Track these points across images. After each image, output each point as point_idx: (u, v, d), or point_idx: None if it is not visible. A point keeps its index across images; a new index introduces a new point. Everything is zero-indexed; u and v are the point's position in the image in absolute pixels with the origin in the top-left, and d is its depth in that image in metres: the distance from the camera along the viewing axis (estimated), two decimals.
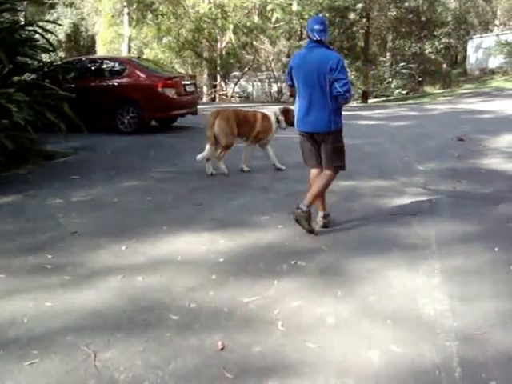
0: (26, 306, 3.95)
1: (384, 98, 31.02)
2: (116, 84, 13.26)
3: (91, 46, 33.95)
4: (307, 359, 3.25)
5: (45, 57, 13.73)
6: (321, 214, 5.59)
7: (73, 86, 12.18)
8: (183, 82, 13.71)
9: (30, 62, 11.72)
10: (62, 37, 31.61)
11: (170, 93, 12.97)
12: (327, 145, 5.35)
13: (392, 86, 32.33)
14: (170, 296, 4.10)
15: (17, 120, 8.56)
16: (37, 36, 11.20)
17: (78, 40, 33.69)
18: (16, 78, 11.16)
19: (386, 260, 4.77)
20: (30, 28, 11.20)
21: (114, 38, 31.65)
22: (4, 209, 6.67)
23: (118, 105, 12.96)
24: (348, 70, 26.05)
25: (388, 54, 35.70)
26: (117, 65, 13.83)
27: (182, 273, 4.55)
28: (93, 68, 14.05)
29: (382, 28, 33.55)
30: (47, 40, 11.79)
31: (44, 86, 10.74)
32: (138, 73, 13.27)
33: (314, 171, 5.57)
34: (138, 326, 3.65)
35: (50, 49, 12.40)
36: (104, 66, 14.07)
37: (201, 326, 3.65)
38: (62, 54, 26.68)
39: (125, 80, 13.24)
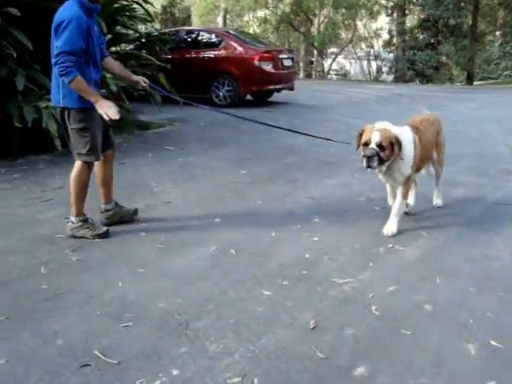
0: (120, 271, 4.14)
1: (491, 81, 29.73)
2: (212, 56, 13.47)
3: (186, 18, 34.50)
4: (401, 346, 3.22)
5: (141, 27, 14.11)
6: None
7: (169, 57, 12.50)
8: (280, 56, 13.74)
9: (127, 31, 12.08)
10: (157, 8, 32.29)
11: (267, 66, 13.06)
12: None
13: (500, 67, 30.90)
14: (262, 271, 4.17)
15: (111, 88, 8.89)
16: (135, 6, 11.49)
17: (173, 12, 34.26)
18: (113, 48, 11.54)
19: (487, 249, 4.63)
20: None
21: (209, 10, 32.07)
22: None
23: (214, 77, 13.19)
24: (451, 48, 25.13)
25: (498, 32, 34.01)
26: (213, 37, 14.05)
27: (274, 249, 4.60)
28: (189, 40, 14.36)
29: (492, 4, 32.00)
30: (146, 10, 12.07)
31: (140, 56, 11.07)
32: (235, 45, 13.42)
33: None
34: (229, 299, 3.74)
35: (148, 19, 12.72)
36: (200, 38, 14.35)
37: (293, 303, 3.69)
38: (157, 25, 27.25)
39: (221, 52, 13.44)
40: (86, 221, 4.91)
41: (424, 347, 3.21)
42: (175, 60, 12.73)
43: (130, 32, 12.12)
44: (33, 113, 7.50)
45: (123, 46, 12.42)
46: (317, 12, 28.77)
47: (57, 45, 4.47)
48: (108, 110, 4.56)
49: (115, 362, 3.01)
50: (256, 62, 12.99)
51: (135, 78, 5.25)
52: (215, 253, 4.52)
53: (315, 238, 4.84)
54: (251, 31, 28.14)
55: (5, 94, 7.98)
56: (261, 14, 31.68)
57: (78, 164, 4.82)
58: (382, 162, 4.75)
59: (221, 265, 4.29)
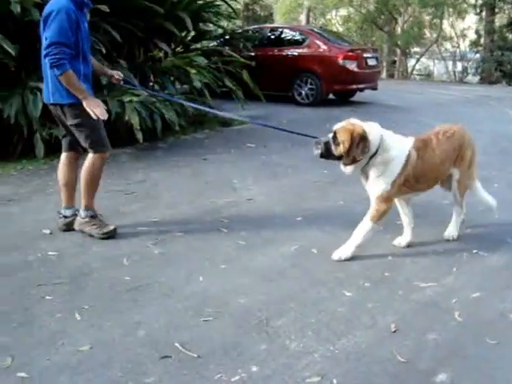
0: (201, 266, 4.19)
1: None
2: (295, 54, 13.46)
3: (268, 16, 34.63)
4: (484, 355, 3.11)
5: (225, 24, 14.27)
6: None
7: (252, 54, 12.59)
8: (365, 55, 13.59)
9: (211, 28, 12.24)
10: (240, 5, 32.59)
11: (351, 65, 12.94)
12: None
13: None
14: (343, 272, 4.12)
15: (195, 84, 9.03)
16: (219, 3, 11.62)
17: (255, 9, 34.46)
18: (198, 45, 11.73)
19: None
20: None
21: (293, 8, 32.08)
22: (184, 171, 7.15)
23: (296, 75, 13.17)
24: None
25: None
26: (297, 34, 14.02)
27: (357, 251, 4.53)
28: (272, 37, 14.39)
29: None
30: (230, 6, 12.21)
31: (224, 52, 11.18)
32: (319, 43, 13.35)
33: None
34: (310, 298, 3.72)
35: (233, 16, 12.86)
36: (284, 36, 14.35)
37: (374, 305, 3.63)
38: (239, 22, 27.53)
39: (305, 50, 13.39)
40: (94, 217, 4.87)
41: (510, 358, 3.09)
42: (258, 57, 12.79)
43: (214, 28, 12.30)
44: (117, 106, 7.71)
45: (205, 42, 12.58)
46: (402, 11, 28.29)
47: (46, 36, 4.41)
48: (96, 109, 4.52)
49: (195, 355, 3.04)
50: (340, 61, 12.88)
51: (110, 72, 5.24)
52: (296, 251, 4.50)
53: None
54: (334, 29, 27.97)
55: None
56: (344, 12, 31.42)
57: (90, 155, 4.78)
58: (330, 156, 4.29)
59: (302, 263, 4.27)
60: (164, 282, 3.91)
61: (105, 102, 7.74)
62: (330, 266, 4.21)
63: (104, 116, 4.58)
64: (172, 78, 9.88)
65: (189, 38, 11.41)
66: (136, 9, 8.81)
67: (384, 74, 27.79)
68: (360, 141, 4.15)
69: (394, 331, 3.32)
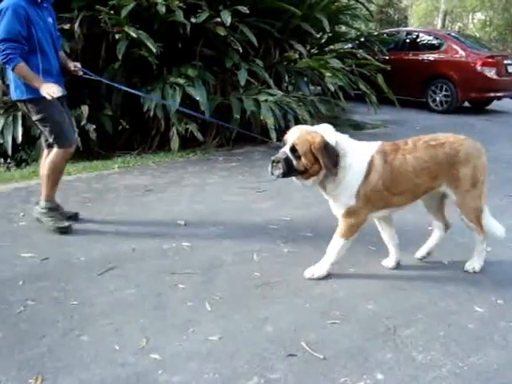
0: (330, 268, 4.14)
1: None
2: (431, 59, 13.13)
3: (402, 19, 33.99)
4: None
5: (361, 27, 14.18)
6: None
7: (386, 57, 12.43)
8: (505, 62, 13.00)
9: (345, 30, 12.21)
10: (373, 8, 32.20)
11: (490, 72, 12.43)
12: None
13: None
14: (475, 286, 3.98)
15: (329, 86, 9.04)
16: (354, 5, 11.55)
17: (389, 12, 33.91)
18: (332, 47, 11.74)
19: None
20: None
21: (429, 11, 31.34)
22: None
23: (431, 81, 12.87)
24: None
25: None
26: (434, 39, 13.68)
27: (489, 265, 4.33)
28: (407, 41, 14.11)
29: None
30: (367, 9, 12.12)
31: (358, 55, 11.11)
32: (457, 48, 12.93)
33: None
34: (439, 310, 3.63)
35: (369, 18, 12.75)
36: (420, 40, 14.05)
37: (507, 324, 3.48)
38: (371, 25, 27.16)
39: (441, 55, 13.04)
40: (52, 209, 4.97)
41: None
42: (392, 61, 12.58)
43: (348, 30, 12.26)
44: (251, 105, 7.88)
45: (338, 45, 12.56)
46: None
47: None
48: (49, 90, 4.54)
49: (321, 356, 3.06)
50: (478, 67, 12.41)
51: (70, 63, 5.23)
52: (427, 261, 4.40)
53: None
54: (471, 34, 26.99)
55: (227, 85, 8.50)
56: (481, 16, 30.31)
57: (55, 149, 4.89)
58: (292, 172, 3.79)
59: (431, 274, 4.18)
60: (292, 281, 3.96)
61: (240, 100, 8.02)
62: (461, 280, 4.09)
63: (59, 93, 4.63)
64: (305, 79, 9.95)
65: (323, 39, 11.45)
66: (274, 10, 8.97)
67: None
68: (326, 148, 3.68)
69: None
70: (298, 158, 3.70)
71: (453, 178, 4.00)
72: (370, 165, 3.80)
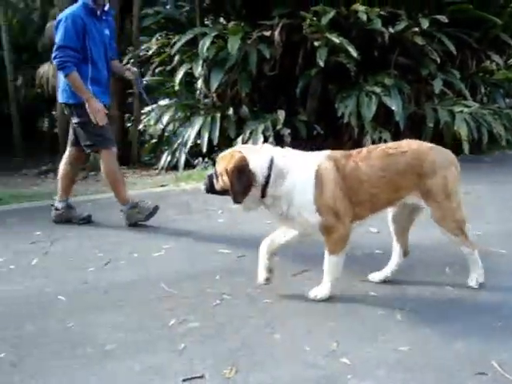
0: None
1: None
2: None
3: None
4: None
5: None
6: None
7: None
8: None
9: None
10: None
11: None
12: None
13: None
14: None
15: None
16: None
17: None
18: None
19: None
20: None
21: None
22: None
23: None
24: None
25: None
26: None
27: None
28: None
29: None
30: None
31: None
32: None
33: None
34: None
35: None
36: None
37: None
38: None
39: None
40: (133, 207, 5.20)
41: None
42: None
43: None
44: (446, 116, 7.79)
45: None
46: None
47: (55, 41, 4.82)
48: (97, 114, 4.80)
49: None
50: None
51: (127, 72, 5.47)
52: None
53: None
54: None
55: (421, 94, 8.46)
56: None
57: (102, 156, 5.10)
58: (214, 191, 3.70)
59: None
60: (478, 298, 3.88)
61: (434, 111, 7.95)
62: None
63: (102, 122, 4.87)
64: (502, 91, 9.61)
65: None
66: (473, 19, 8.77)
67: None
68: (239, 172, 3.46)
69: None
70: (217, 177, 3.65)
71: (422, 191, 3.72)
72: (318, 175, 3.57)
